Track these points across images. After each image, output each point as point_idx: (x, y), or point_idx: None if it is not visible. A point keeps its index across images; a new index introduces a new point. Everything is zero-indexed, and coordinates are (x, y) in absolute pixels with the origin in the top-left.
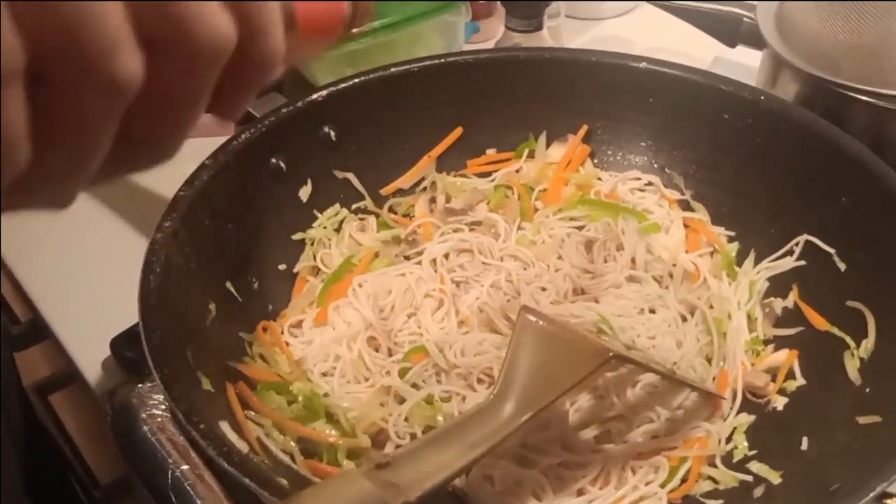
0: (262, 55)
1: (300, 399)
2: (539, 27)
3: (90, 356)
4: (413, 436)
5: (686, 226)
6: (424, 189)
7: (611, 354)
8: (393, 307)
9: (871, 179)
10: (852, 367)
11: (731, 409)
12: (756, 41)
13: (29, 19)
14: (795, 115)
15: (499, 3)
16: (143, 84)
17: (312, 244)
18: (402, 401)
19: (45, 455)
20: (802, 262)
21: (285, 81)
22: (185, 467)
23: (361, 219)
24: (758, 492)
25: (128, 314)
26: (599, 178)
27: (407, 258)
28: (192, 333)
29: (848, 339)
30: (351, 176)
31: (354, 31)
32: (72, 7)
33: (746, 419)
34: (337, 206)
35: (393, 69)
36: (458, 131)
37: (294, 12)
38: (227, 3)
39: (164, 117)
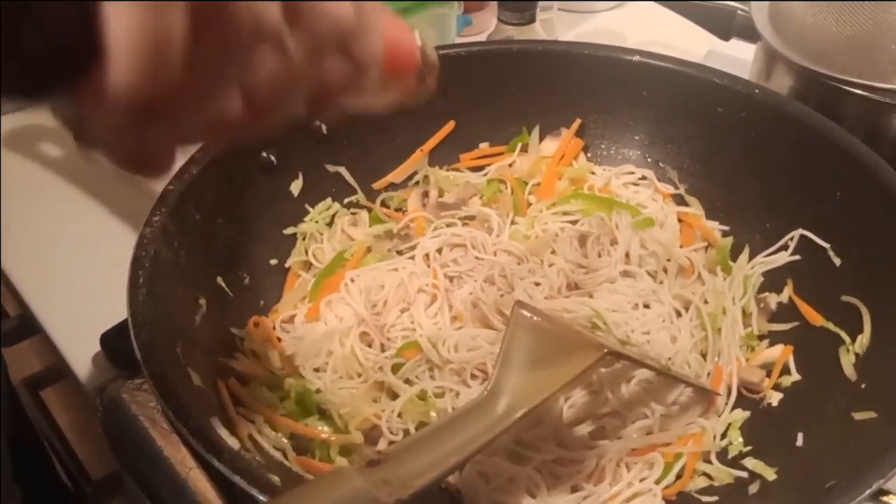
0: (364, 55)
1: (292, 395)
2: (532, 20)
3: (80, 351)
4: (406, 432)
5: (680, 220)
6: (417, 183)
7: (605, 351)
8: (385, 302)
9: (866, 173)
10: (847, 362)
11: (726, 404)
12: (750, 34)
13: None
14: (789, 108)
15: None
16: (277, 39)
17: (304, 239)
18: (395, 397)
19: (32, 451)
20: (797, 257)
21: None
22: (176, 463)
23: (353, 213)
24: (753, 488)
25: (118, 309)
26: (593, 173)
27: (399, 253)
28: (183, 329)
29: (843, 334)
30: (342, 170)
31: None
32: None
33: (741, 415)
34: (328, 200)
35: None
36: (451, 125)
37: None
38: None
39: (280, 92)
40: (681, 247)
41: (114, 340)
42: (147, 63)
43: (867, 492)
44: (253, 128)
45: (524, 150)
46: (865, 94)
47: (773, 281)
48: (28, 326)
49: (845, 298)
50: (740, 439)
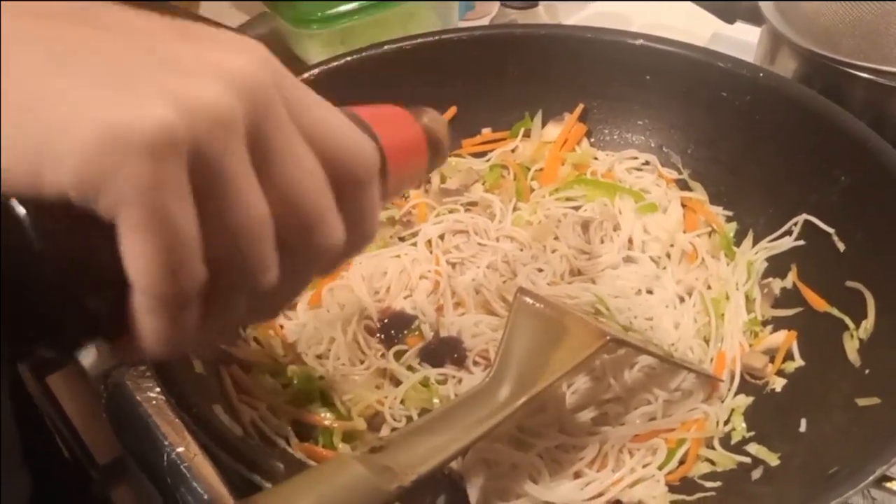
0: (361, 237)
1: (295, 382)
2: (535, 3)
3: None
4: (409, 418)
5: (684, 205)
6: None
7: (608, 338)
8: (388, 289)
9: (871, 157)
10: (851, 348)
11: (729, 390)
12: (755, 17)
13: (210, 240)
14: (794, 92)
15: None
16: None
17: None
18: (397, 383)
19: (38, 437)
20: (801, 242)
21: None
22: (180, 449)
23: None
24: (756, 474)
25: None
26: (596, 158)
27: (402, 239)
28: None
29: (847, 319)
30: None
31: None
32: (241, 237)
33: (744, 401)
34: None
35: (386, 47)
36: (453, 110)
37: (385, 161)
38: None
39: (277, 296)
40: (684, 232)
41: None
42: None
43: (870, 478)
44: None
45: (527, 135)
46: (871, 77)
47: (776, 266)
48: None
49: (849, 284)
50: (743, 425)
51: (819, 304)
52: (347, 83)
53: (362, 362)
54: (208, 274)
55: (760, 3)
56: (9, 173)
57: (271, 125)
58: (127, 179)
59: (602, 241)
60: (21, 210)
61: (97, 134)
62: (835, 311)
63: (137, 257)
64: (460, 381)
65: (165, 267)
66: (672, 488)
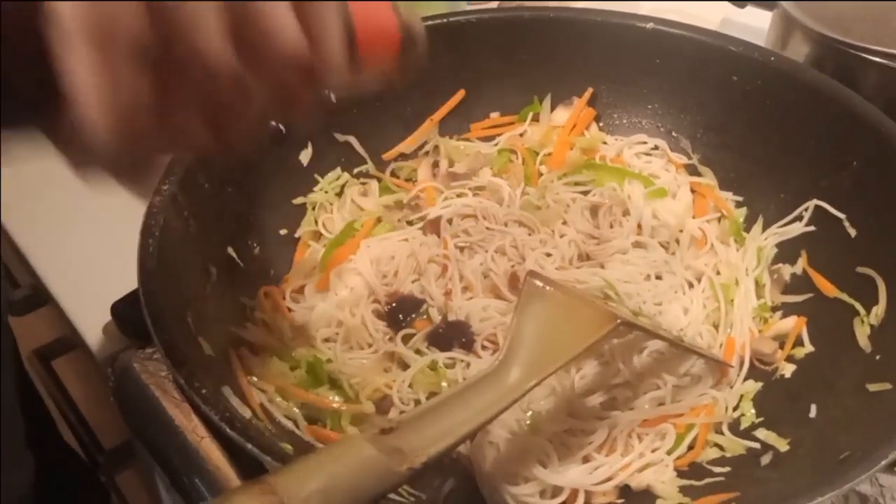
0: (323, 63)
1: (303, 365)
2: None
3: (91, 321)
4: (417, 402)
5: (693, 191)
6: (427, 153)
7: (619, 321)
8: (396, 273)
9: (884, 142)
10: (862, 333)
11: (739, 376)
12: (766, 1)
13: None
14: (807, 76)
15: None
16: (231, 74)
17: (314, 209)
18: (405, 367)
19: (41, 421)
20: (812, 228)
21: None
22: (187, 431)
23: (363, 183)
24: (765, 459)
25: (129, 278)
26: (605, 142)
27: (410, 223)
28: (193, 298)
29: (858, 305)
30: (352, 139)
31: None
32: (184, 11)
33: (754, 386)
34: (338, 170)
35: None
36: (461, 94)
37: (352, 24)
38: (293, 5)
39: (244, 111)
40: (693, 217)
41: (124, 310)
42: (114, 116)
43: (882, 462)
44: (223, 142)
45: (535, 119)
46: (884, 61)
47: (786, 252)
48: (39, 297)
49: (860, 269)
50: (752, 410)
51: (829, 289)
52: None
53: (370, 346)
54: (153, 37)
55: None
56: None
57: None
58: None
59: (611, 226)
60: None
61: None
62: (845, 297)
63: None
64: (468, 365)
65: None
66: (681, 473)
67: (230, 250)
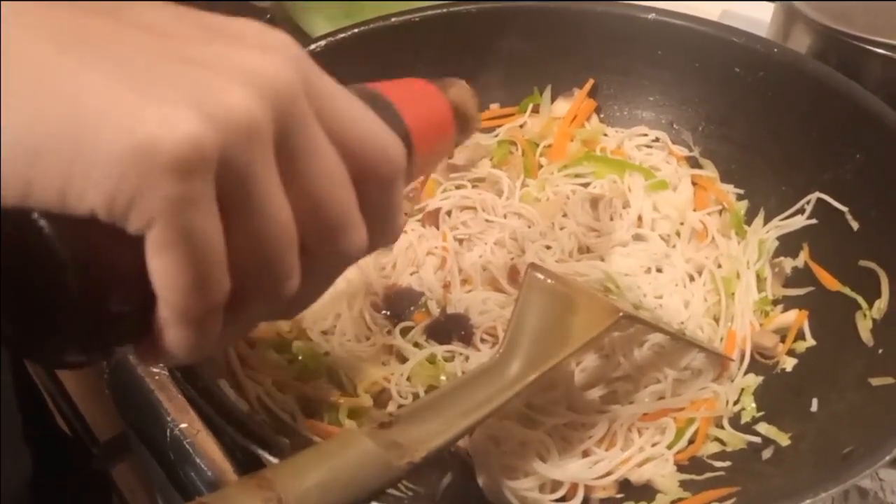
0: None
1: (300, 358)
2: None
3: None
4: (415, 395)
5: (694, 183)
6: None
7: (621, 314)
8: (394, 265)
9: (887, 134)
10: (864, 327)
11: (739, 370)
12: None
13: (234, 250)
14: (809, 68)
15: None
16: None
17: None
18: (404, 360)
19: (36, 413)
20: (814, 221)
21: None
22: (183, 425)
23: None
24: (766, 454)
25: None
26: (605, 134)
27: (408, 215)
28: None
29: (860, 299)
30: None
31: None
32: (266, 246)
33: (754, 380)
34: None
35: (393, 19)
36: None
37: (411, 141)
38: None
39: (297, 299)
40: (694, 210)
41: None
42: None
43: (887, 457)
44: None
45: (535, 110)
46: (888, 53)
47: (788, 245)
48: None
49: (863, 263)
50: (753, 405)
51: (831, 283)
52: (353, 56)
53: (368, 338)
54: (232, 284)
55: None
56: (32, 188)
57: (298, 129)
58: (155, 198)
59: (611, 219)
60: (42, 222)
61: (126, 153)
62: (847, 291)
63: (164, 274)
64: (467, 358)
65: (192, 282)
66: (681, 468)
67: None
